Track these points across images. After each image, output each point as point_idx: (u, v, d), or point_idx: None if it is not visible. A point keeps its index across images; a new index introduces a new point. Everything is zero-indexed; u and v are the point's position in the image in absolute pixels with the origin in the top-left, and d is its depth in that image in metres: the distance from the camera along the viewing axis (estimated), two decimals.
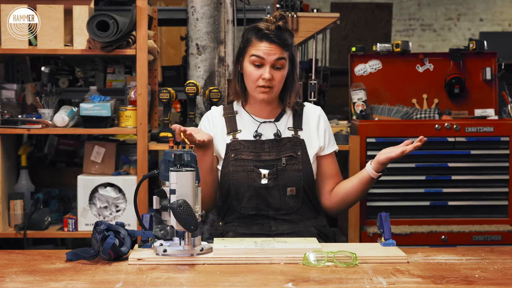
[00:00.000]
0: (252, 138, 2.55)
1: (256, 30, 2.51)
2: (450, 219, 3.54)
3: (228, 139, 2.56)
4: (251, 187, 2.50)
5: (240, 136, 2.56)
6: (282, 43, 2.48)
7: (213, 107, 2.69)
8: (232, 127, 2.58)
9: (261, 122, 2.57)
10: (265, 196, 2.50)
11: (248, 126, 2.57)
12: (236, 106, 2.63)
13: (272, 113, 2.59)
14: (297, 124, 2.59)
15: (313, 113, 2.63)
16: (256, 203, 2.51)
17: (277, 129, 2.56)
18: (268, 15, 3.76)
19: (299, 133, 2.57)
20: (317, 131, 2.60)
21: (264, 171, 2.50)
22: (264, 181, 2.49)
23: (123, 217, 3.34)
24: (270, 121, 2.58)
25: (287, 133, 2.57)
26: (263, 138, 2.55)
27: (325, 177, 2.62)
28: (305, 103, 2.66)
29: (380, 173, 2.50)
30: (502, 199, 3.56)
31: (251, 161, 2.51)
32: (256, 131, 2.55)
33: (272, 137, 2.55)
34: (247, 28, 2.57)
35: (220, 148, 2.56)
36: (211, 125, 2.60)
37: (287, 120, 2.59)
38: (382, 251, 2.14)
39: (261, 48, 2.47)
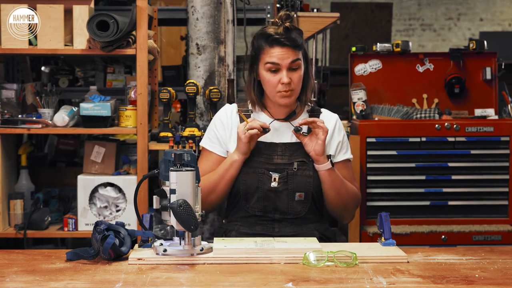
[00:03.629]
0: (265, 140, 2.53)
1: (266, 36, 2.49)
2: (450, 219, 3.54)
3: None
4: (260, 189, 2.49)
5: None
6: (293, 44, 2.46)
7: (227, 105, 2.68)
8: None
9: (274, 119, 2.56)
10: (273, 199, 2.50)
11: None
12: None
13: (287, 113, 2.59)
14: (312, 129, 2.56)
15: (329, 120, 2.61)
16: (263, 205, 2.50)
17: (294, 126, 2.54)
18: (269, 15, 3.78)
19: None
20: (331, 140, 2.58)
21: (275, 175, 2.49)
22: (274, 184, 2.49)
23: (123, 217, 3.34)
24: (282, 120, 2.56)
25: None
26: (277, 140, 2.54)
27: None
28: (322, 110, 2.65)
29: (328, 161, 2.50)
30: (502, 199, 3.56)
31: (262, 163, 2.51)
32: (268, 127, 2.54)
33: (287, 139, 2.54)
34: (256, 35, 2.55)
35: (233, 147, 2.55)
36: (225, 127, 2.59)
37: None
38: (382, 251, 2.14)
39: (274, 54, 2.46)
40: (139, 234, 2.16)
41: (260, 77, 2.53)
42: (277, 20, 2.51)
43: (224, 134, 2.59)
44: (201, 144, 2.66)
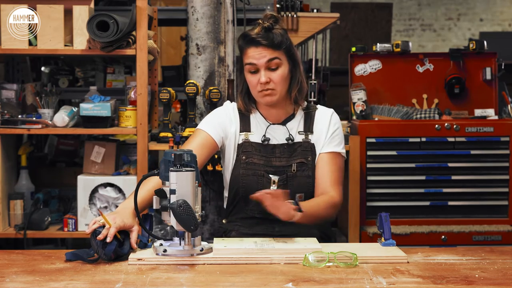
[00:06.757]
0: (263, 142, 2.51)
1: (243, 37, 2.49)
2: (450, 219, 3.54)
3: (240, 139, 2.53)
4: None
5: (252, 138, 2.54)
6: (269, 44, 2.43)
7: (227, 102, 2.65)
8: (245, 126, 2.55)
9: (269, 124, 2.55)
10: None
11: (260, 128, 2.54)
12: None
13: (283, 116, 2.56)
14: (308, 127, 2.54)
15: (324, 115, 2.57)
16: (263, 207, 2.50)
17: (290, 134, 2.53)
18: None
19: (310, 136, 2.53)
20: (326, 133, 2.54)
21: (274, 177, 2.47)
22: (273, 187, 2.47)
23: None
24: (278, 124, 2.54)
25: (298, 138, 2.53)
26: (273, 142, 2.52)
27: (316, 178, 2.52)
28: (318, 106, 2.61)
29: (297, 212, 2.27)
30: (502, 199, 3.56)
31: (262, 165, 2.49)
32: (264, 135, 2.53)
33: (283, 141, 2.52)
34: (238, 38, 2.55)
35: (231, 148, 2.54)
36: (229, 120, 2.55)
37: (298, 123, 2.55)
38: (382, 251, 2.14)
39: (251, 54, 2.44)
40: (139, 237, 2.16)
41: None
42: (260, 21, 2.50)
43: (224, 120, 2.55)
44: (197, 127, 2.57)
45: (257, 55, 2.43)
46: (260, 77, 2.43)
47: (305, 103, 2.60)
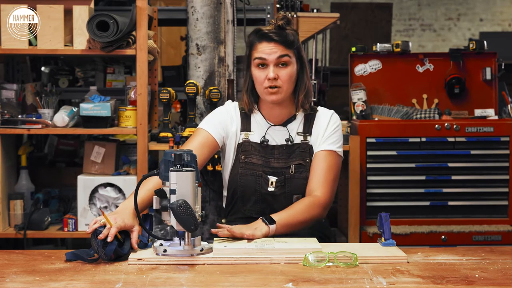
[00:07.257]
0: (262, 143, 2.52)
1: (255, 32, 2.50)
2: (450, 219, 3.54)
3: (240, 138, 2.54)
4: (257, 192, 2.49)
5: (251, 138, 2.54)
6: (282, 40, 2.45)
7: (229, 101, 2.65)
8: (245, 125, 2.55)
9: (270, 125, 2.54)
10: (271, 202, 2.49)
11: (261, 128, 2.55)
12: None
13: (285, 117, 2.55)
14: (307, 129, 2.54)
15: (324, 116, 2.57)
16: (261, 208, 2.50)
17: (289, 135, 2.53)
18: (269, 15, 3.78)
19: (308, 138, 2.53)
20: (324, 132, 2.54)
21: (272, 179, 2.48)
22: (271, 188, 2.47)
23: None
24: (279, 125, 2.54)
25: (296, 139, 2.53)
26: (272, 143, 2.52)
27: (309, 176, 2.51)
28: (319, 108, 2.61)
29: (271, 226, 2.29)
30: (502, 199, 3.56)
31: (260, 166, 2.49)
32: (264, 136, 2.53)
33: (283, 142, 2.53)
34: (249, 34, 2.56)
35: (231, 147, 2.54)
36: (230, 119, 2.55)
37: (298, 125, 2.55)
38: (382, 251, 2.14)
39: (262, 49, 2.45)
40: (140, 238, 2.16)
41: (253, 76, 2.52)
42: (272, 20, 2.52)
43: (225, 119, 2.55)
44: (199, 126, 2.57)
45: (268, 50, 2.44)
46: (268, 73, 2.44)
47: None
